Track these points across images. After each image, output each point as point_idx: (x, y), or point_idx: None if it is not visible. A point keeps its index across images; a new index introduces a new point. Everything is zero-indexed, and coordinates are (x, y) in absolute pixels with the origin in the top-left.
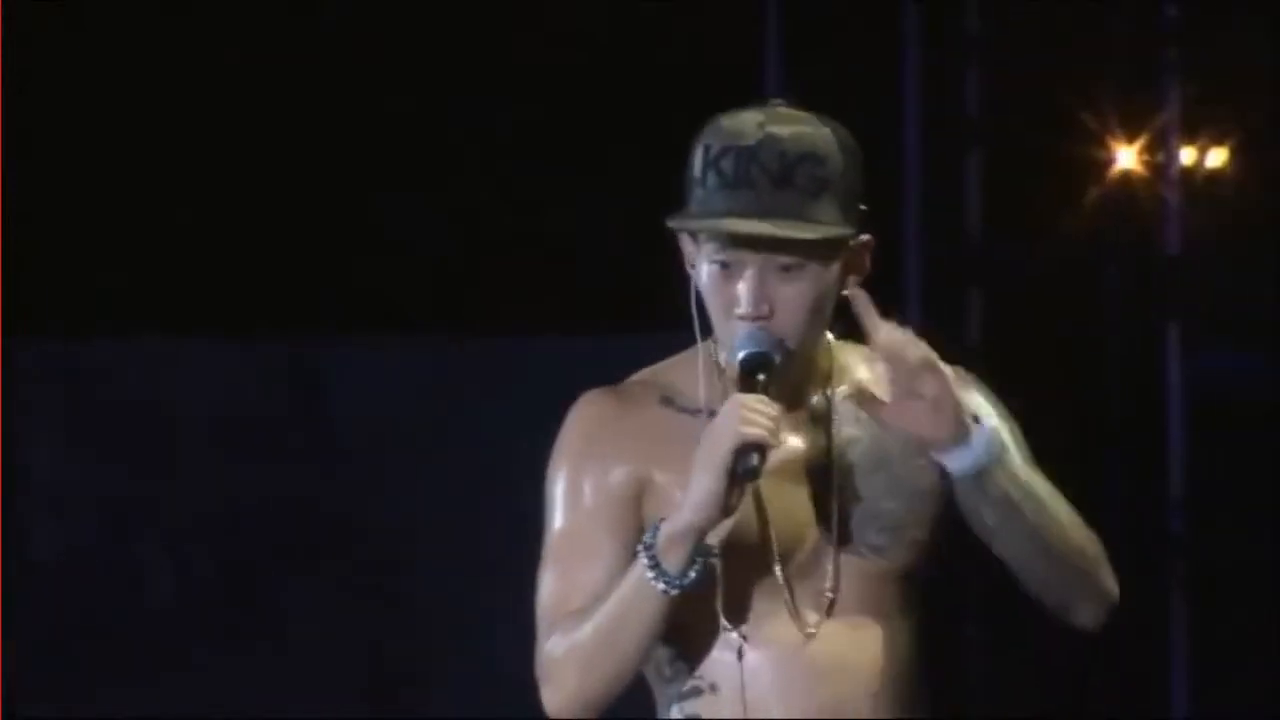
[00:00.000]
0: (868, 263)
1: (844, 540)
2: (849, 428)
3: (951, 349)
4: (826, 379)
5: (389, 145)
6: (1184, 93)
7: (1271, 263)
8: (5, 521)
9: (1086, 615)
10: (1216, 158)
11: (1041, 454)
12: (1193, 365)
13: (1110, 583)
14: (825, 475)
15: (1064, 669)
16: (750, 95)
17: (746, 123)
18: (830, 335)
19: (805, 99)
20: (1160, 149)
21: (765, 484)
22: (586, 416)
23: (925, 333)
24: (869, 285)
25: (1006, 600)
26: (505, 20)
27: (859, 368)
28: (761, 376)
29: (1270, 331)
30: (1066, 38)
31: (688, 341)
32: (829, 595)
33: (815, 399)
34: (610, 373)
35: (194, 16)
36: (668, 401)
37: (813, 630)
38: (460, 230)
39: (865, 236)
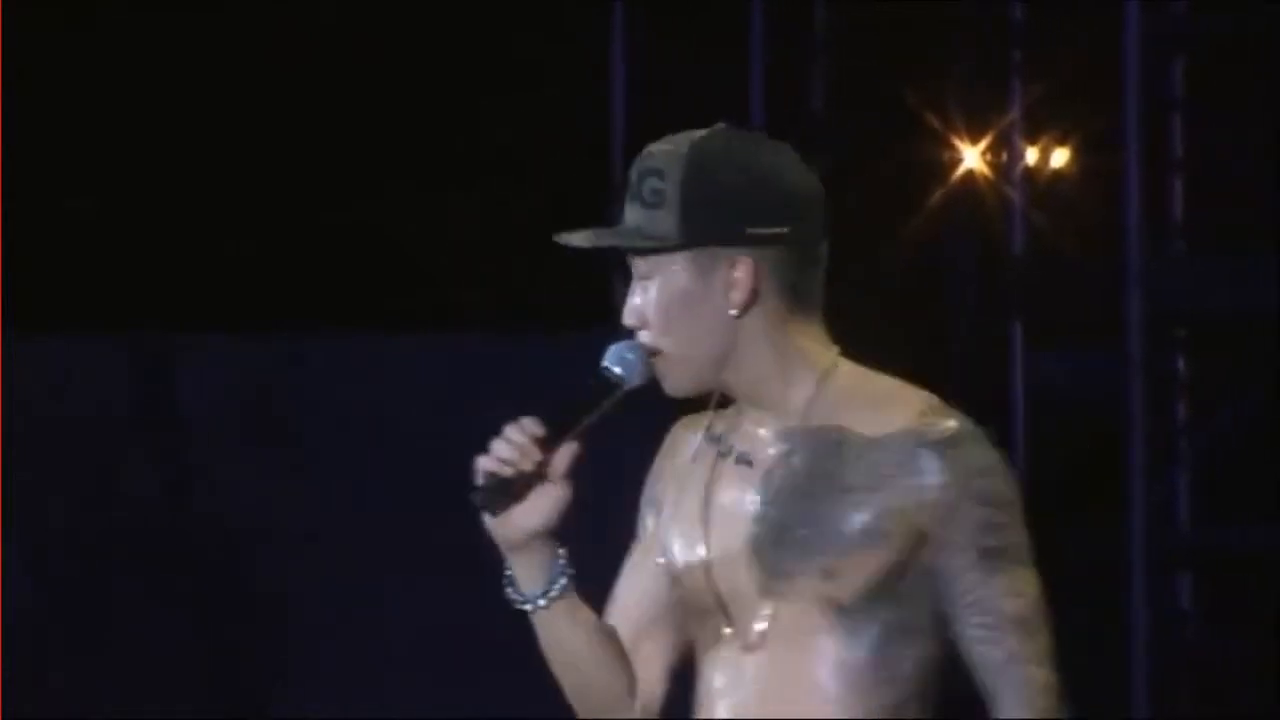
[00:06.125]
0: (747, 281)
1: (768, 565)
2: (796, 456)
3: None
4: (782, 400)
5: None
6: (1028, 94)
7: (1111, 263)
8: None
9: None
10: (1060, 158)
11: None
12: (1035, 365)
13: None
14: (758, 501)
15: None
16: (598, 92)
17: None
18: (811, 360)
19: (651, 96)
20: (1004, 149)
21: (712, 501)
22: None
23: None
24: None
25: None
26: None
27: (852, 407)
28: (610, 390)
29: (1110, 331)
30: (912, 38)
31: None
32: (764, 619)
33: (774, 422)
34: (479, 377)
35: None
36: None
37: (751, 647)
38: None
39: (737, 252)
